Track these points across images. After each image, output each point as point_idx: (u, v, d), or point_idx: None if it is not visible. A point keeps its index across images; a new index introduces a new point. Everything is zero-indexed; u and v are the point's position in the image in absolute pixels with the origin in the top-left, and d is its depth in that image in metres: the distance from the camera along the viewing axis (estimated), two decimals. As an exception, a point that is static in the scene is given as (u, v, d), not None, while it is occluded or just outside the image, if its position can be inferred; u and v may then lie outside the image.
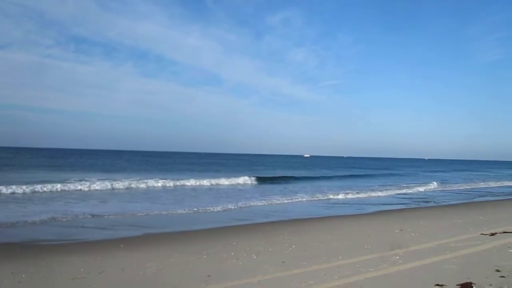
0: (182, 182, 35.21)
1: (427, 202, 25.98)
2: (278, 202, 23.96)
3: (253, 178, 41.57)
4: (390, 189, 35.12)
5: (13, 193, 23.85)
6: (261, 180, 42.07)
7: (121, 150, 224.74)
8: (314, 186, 37.81)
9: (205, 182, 36.44)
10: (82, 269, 8.62)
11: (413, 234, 12.47)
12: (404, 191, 34.50)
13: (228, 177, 41.13)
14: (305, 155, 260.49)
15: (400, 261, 8.84)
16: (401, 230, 13.36)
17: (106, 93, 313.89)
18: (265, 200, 24.49)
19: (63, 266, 9.02)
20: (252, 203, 22.63)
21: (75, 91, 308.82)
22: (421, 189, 37.19)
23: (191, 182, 35.66)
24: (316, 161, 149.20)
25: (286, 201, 24.65)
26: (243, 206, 21.46)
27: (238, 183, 38.66)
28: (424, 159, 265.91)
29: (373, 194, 30.59)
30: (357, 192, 30.72)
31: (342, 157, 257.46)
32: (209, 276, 8.00)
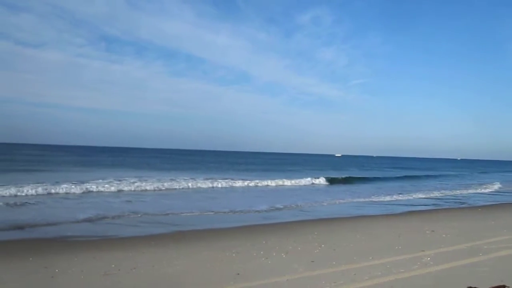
0: (254, 182, 35.16)
1: (461, 203, 25.51)
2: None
3: (323, 179, 41.34)
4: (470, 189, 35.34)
5: (67, 193, 23.81)
6: (330, 180, 41.72)
7: (149, 148, 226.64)
8: (393, 187, 37.70)
9: (279, 182, 37.03)
10: (113, 265, 8.75)
11: (444, 236, 12.27)
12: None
13: (290, 178, 41.06)
14: (336, 155, 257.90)
15: (431, 263, 8.71)
16: (433, 231, 13.16)
17: (136, 92, 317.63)
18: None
19: (95, 262, 9.17)
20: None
21: (106, 90, 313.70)
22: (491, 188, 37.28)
23: (267, 182, 35.98)
24: (352, 160, 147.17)
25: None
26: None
27: (313, 184, 38.97)
28: (456, 159, 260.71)
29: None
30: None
31: (372, 157, 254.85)
32: (238, 274, 8.04)
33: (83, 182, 26.81)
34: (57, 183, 25.66)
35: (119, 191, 25.80)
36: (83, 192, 24.03)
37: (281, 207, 20.67)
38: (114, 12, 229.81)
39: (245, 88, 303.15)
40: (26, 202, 18.92)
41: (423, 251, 9.91)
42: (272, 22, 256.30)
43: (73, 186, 24.69)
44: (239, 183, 34.02)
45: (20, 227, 13.40)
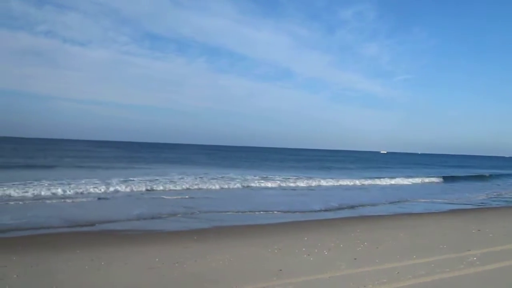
0: (360, 181, 35.23)
1: (507, 202, 24.78)
2: None
3: (440, 178, 42.67)
4: None
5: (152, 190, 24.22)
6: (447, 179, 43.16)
7: (191, 144, 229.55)
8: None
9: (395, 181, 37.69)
10: (157, 259, 8.93)
11: (491, 235, 11.98)
12: None
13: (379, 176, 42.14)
14: (381, 151, 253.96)
15: (477, 263, 8.53)
16: (479, 230, 12.86)
17: (179, 89, 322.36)
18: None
19: (139, 255, 9.39)
20: None
21: (149, 86, 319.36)
22: None
23: (386, 182, 36.59)
24: (400, 157, 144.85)
25: None
26: None
27: (425, 182, 39.74)
28: (504, 157, 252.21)
29: None
30: None
31: (417, 154, 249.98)
32: (281, 270, 8.08)
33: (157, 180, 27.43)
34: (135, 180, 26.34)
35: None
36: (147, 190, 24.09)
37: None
38: (158, 10, 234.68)
39: (287, 84, 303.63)
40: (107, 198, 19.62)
41: (469, 250, 9.72)
42: (314, 18, 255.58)
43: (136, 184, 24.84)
44: (346, 182, 33.98)
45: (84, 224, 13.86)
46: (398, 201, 22.85)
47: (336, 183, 32.94)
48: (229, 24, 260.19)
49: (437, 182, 40.53)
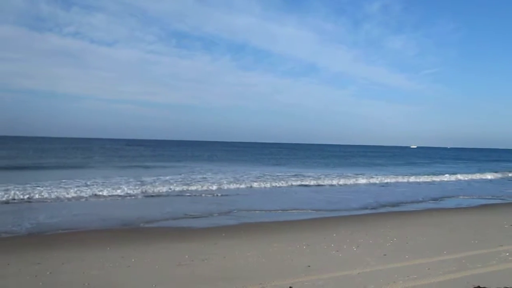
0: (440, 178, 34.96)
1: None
2: None
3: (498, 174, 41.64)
4: None
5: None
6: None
7: (215, 142, 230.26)
8: None
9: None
10: (187, 256, 9.03)
11: (525, 230, 11.76)
12: None
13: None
14: (412, 146, 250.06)
15: (510, 258, 8.38)
16: (511, 225, 12.63)
17: (205, 86, 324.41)
18: None
19: (169, 252, 9.52)
20: None
21: (176, 85, 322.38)
22: None
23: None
24: (434, 152, 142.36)
25: None
26: None
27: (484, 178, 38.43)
28: None
29: None
30: None
31: (446, 148, 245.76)
32: (309, 266, 8.09)
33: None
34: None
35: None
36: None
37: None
38: (183, 9, 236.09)
39: (313, 80, 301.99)
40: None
41: (501, 246, 9.55)
42: (339, 12, 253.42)
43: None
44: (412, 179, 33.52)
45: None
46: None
47: (400, 180, 32.29)
48: (253, 21, 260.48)
49: (501, 178, 39.22)
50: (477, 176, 38.80)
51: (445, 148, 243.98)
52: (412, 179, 33.32)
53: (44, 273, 7.66)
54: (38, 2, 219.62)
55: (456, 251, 9.15)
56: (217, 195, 21.09)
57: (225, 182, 26.10)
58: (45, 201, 17.56)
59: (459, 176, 37.10)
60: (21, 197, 17.88)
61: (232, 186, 25.18)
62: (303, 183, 28.39)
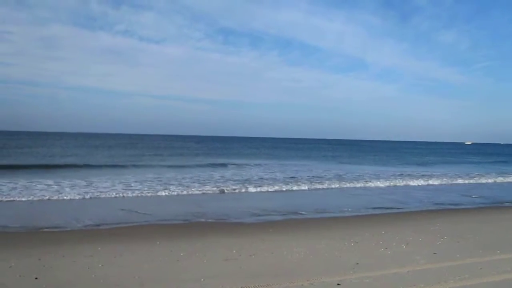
0: None
1: None
2: None
3: None
4: None
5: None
6: None
7: (263, 137, 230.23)
8: None
9: None
10: (234, 251, 9.12)
11: None
12: None
13: None
14: (466, 142, 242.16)
15: None
16: None
17: (253, 83, 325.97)
18: None
19: (217, 247, 9.62)
20: None
21: (224, 81, 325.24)
22: None
23: None
24: (491, 148, 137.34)
25: None
26: None
27: None
28: None
29: None
30: None
31: (500, 144, 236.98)
32: (357, 264, 8.02)
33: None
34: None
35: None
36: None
37: None
38: (230, 5, 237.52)
39: (361, 75, 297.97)
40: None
41: (560, 246, 9.20)
42: (387, 6, 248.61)
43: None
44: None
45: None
46: None
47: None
48: (300, 16, 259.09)
49: None
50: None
51: (499, 144, 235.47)
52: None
53: (96, 265, 7.91)
54: (90, 1, 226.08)
55: (511, 250, 8.87)
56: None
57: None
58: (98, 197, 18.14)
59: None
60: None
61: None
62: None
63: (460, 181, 29.05)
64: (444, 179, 28.99)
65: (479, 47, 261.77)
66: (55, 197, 17.12)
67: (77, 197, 17.43)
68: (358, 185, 24.90)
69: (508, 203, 18.72)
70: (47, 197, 17.04)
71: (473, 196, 20.89)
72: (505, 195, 22.17)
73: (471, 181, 29.43)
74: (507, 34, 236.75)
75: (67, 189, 18.95)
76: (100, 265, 7.91)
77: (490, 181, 29.98)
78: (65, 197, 17.19)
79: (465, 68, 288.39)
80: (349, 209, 15.94)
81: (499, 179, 30.84)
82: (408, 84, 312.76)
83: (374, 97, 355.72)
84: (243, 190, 21.19)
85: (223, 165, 38.07)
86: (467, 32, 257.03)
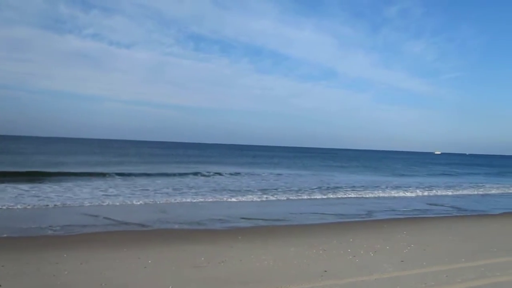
0: None
1: None
2: None
3: None
4: None
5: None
6: None
7: (233, 144, 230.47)
8: None
9: None
10: (203, 258, 9.04)
11: (546, 239, 11.58)
12: None
13: None
14: (436, 152, 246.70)
15: (530, 267, 8.27)
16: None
17: (224, 89, 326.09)
18: None
19: (185, 254, 9.53)
20: None
21: (194, 87, 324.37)
22: None
23: None
24: (461, 158, 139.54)
25: None
26: None
27: None
28: None
29: None
30: None
31: (465, 155, 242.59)
32: (326, 271, 8.05)
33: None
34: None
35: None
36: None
37: None
38: (200, 12, 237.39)
39: (331, 84, 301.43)
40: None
41: (522, 254, 9.43)
42: (358, 16, 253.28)
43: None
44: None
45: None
46: None
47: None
48: (271, 24, 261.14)
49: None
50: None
51: (464, 155, 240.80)
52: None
53: (62, 272, 7.74)
54: (58, 4, 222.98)
55: (475, 258, 9.05)
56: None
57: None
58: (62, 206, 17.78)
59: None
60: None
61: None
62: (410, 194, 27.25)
63: (427, 193, 28.62)
64: (413, 189, 29.23)
65: (447, 58, 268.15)
66: (17, 206, 16.38)
67: (40, 204, 17.01)
68: (331, 195, 24.66)
69: (473, 212, 19.10)
70: (5, 206, 16.23)
71: (440, 205, 21.24)
72: (474, 205, 22.61)
73: (444, 192, 29.34)
74: (474, 47, 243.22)
75: (28, 198, 18.23)
76: (65, 272, 7.74)
77: (460, 192, 29.90)
78: (27, 206, 16.50)
79: (433, 79, 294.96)
80: (317, 217, 16.04)
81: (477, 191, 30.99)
82: (378, 93, 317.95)
83: (344, 106, 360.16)
84: (213, 199, 21.00)
85: (195, 173, 37.45)
86: (435, 44, 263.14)
